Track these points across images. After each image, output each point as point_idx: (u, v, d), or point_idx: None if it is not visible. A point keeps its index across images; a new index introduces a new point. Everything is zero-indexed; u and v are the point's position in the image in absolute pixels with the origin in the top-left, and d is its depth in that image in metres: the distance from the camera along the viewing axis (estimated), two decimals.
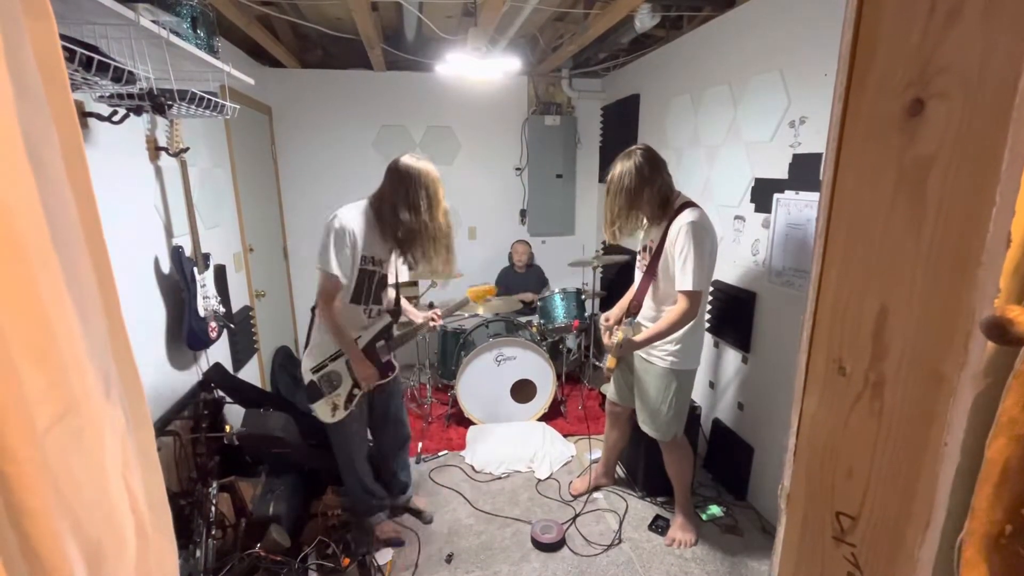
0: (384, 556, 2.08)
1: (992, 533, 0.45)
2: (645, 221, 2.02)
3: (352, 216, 1.80)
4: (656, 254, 1.96)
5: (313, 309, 1.94)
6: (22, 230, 0.49)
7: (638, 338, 1.99)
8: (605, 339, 2.12)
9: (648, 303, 2.07)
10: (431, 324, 2.07)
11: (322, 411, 1.94)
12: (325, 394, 1.91)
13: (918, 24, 0.51)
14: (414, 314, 2.15)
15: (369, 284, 1.89)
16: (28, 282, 0.49)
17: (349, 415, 1.96)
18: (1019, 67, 0.42)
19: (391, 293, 2.04)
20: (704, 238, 1.84)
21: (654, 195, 1.91)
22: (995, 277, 0.44)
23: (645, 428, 2.15)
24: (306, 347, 1.95)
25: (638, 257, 2.13)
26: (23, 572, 0.49)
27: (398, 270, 2.03)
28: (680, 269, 1.85)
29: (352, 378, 1.94)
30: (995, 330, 0.38)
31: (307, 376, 1.88)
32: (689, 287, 1.83)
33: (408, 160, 1.83)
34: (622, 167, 1.90)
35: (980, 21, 0.46)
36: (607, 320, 2.16)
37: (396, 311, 2.06)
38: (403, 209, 1.79)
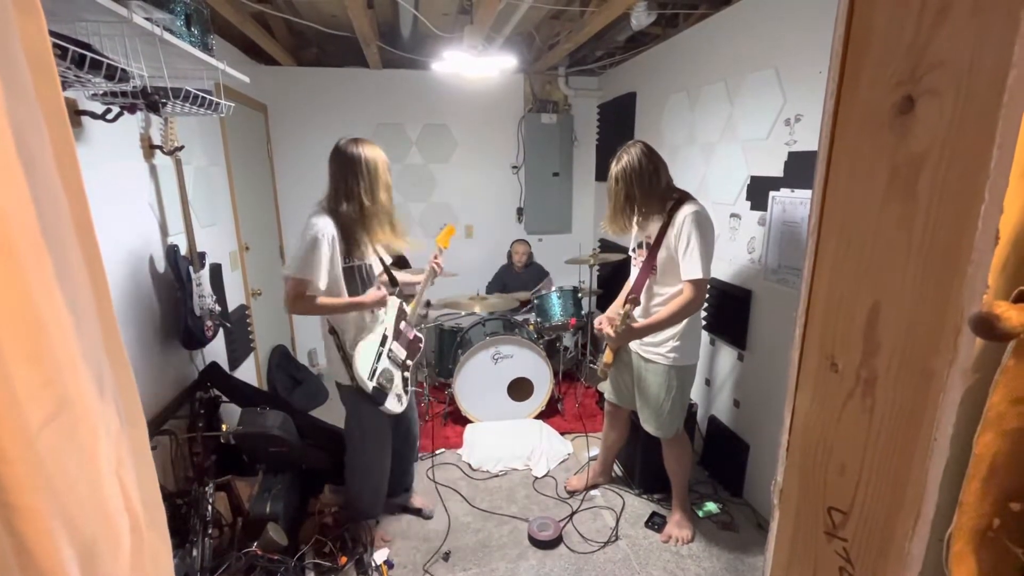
0: (381, 555, 2.09)
1: (980, 527, 0.46)
2: (639, 219, 2.01)
3: (323, 221, 1.78)
4: (655, 247, 1.96)
5: (332, 332, 1.93)
6: (14, 229, 0.48)
7: (642, 323, 1.97)
8: (606, 328, 2.05)
9: (645, 298, 2.06)
10: (434, 269, 2.11)
11: (393, 405, 1.98)
12: (388, 391, 1.96)
13: (909, 21, 0.51)
14: (411, 278, 2.19)
15: (361, 278, 1.93)
16: (20, 281, 0.49)
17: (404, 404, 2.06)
18: (1007, 64, 0.42)
19: (383, 276, 2.09)
20: (708, 228, 1.86)
21: (663, 183, 1.92)
22: (984, 274, 0.44)
23: (647, 427, 2.15)
24: (347, 365, 1.91)
25: (632, 255, 2.13)
26: (16, 571, 0.49)
27: (379, 254, 2.05)
28: (687, 258, 1.85)
29: (397, 366, 2.02)
30: (983, 326, 0.39)
31: (368, 385, 1.87)
32: (698, 275, 1.84)
33: (344, 146, 1.81)
34: (631, 155, 1.90)
35: (970, 17, 0.46)
36: (599, 324, 2.13)
37: (399, 290, 2.11)
38: (342, 199, 1.80)
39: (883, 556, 0.56)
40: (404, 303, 2.12)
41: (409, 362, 2.08)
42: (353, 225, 1.82)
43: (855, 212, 0.58)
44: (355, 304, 1.89)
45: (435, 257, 2.12)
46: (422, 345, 2.17)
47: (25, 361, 0.49)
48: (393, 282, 2.11)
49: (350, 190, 1.79)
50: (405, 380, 2.07)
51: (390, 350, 1.99)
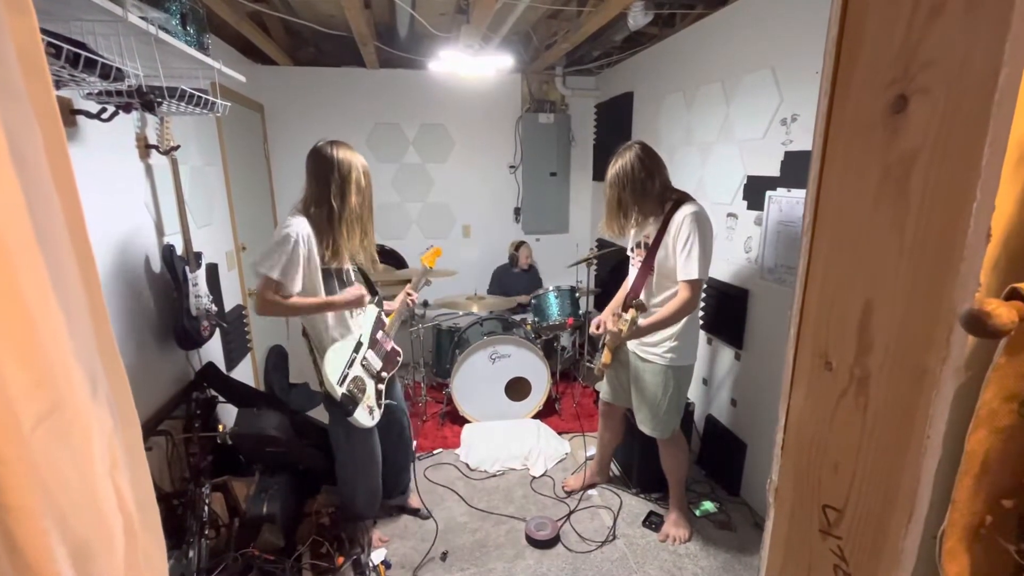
0: (378, 555, 2.08)
1: (973, 524, 0.46)
2: (636, 219, 2.01)
3: (296, 221, 1.74)
4: (653, 247, 1.96)
5: (305, 334, 1.88)
6: (6, 228, 0.48)
7: (641, 323, 1.96)
8: (610, 324, 2.03)
9: (644, 298, 2.06)
10: (409, 302, 2.13)
11: (363, 417, 1.89)
12: (360, 400, 1.89)
13: (902, 20, 0.51)
14: (390, 305, 2.19)
15: (340, 281, 1.90)
16: (12, 280, 0.49)
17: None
18: (999, 62, 0.42)
19: (359, 279, 2.07)
20: (707, 228, 1.86)
21: (657, 186, 1.92)
22: (976, 271, 0.44)
23: (644, 427, 2.15)
24: (318, 369, 1.86)
25: (630, 255, 2.13)
26: (8, 571, 0.49)
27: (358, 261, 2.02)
28: (684, 259, 1.85)
29: (372, 376, 1.95)
30: (973, 323, 0.39)
31: (336, 391, 1.80)
32: (694, 276, 1.84)
33: (320, 147, 1.77)
34: (625, 160, 1.90)
35: (962, 16, 0.46)
36: (598, 326, 2.12)
37: (378, 297, 2.09)
38: (313, 201, 1.77)
39: (877, 554, 0.56)
40: (383, 313, 2.08)
41: (384, 374, 2.01)
42: (325, 228, 1.77)
43: (848, 211, 0.58)
44: (328, 304, 1.81)
45: (408, 294, 2.12)
46: (400, 359, 2.11)
47: (17, 361, 0.49)
48: (372, 291, 2.06)
49: (321, 192, 1.75)
50: (379, 393, 1.98)
51: (364, 358, 1.92)
